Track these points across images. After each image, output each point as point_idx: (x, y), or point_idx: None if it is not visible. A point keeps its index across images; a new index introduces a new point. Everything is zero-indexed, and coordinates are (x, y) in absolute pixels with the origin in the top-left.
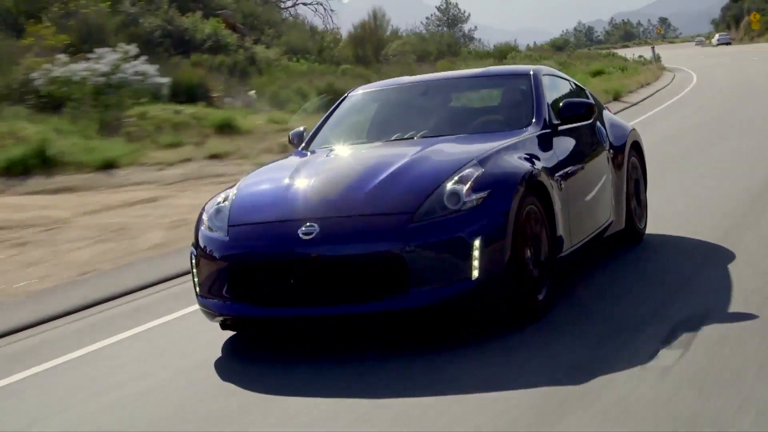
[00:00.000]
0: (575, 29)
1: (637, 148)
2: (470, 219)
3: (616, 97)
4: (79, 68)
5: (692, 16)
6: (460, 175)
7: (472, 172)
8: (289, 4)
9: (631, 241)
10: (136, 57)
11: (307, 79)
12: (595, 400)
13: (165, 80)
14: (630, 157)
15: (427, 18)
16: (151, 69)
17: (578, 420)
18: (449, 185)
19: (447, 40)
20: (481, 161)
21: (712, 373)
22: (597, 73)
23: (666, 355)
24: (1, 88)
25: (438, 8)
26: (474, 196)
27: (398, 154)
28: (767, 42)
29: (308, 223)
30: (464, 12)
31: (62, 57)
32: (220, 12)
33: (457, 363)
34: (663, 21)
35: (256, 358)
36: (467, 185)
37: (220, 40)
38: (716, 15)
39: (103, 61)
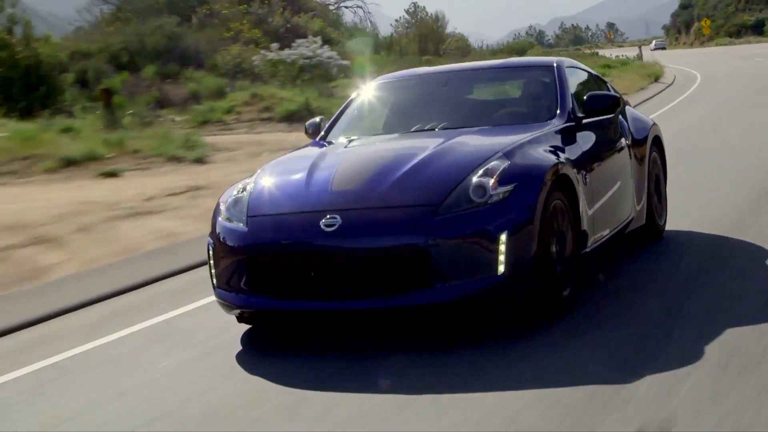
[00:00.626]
0: (527, 33)
1: (657, 142)
2: (497, 213)
3: (656, 79)
4: (286, 53)
5: (628, 22)
6: (486, 167)
7: (498, 164)
8: (333, 6)
9: (651, 238)
10: (321, 46)
11: (401, 65)
12: (632, 398)
13: (346, 62)
14: (651, 152)
15: (396, 20)
16: (334, 54)
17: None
18: (475, 178)
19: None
20: (507, 154)
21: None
22: (605, 67)
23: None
24: (220, 69)
25: (406, 11)
26: (500, 190)
27: (421, 145)
28: (717, 45)
29: (330, 215)
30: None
31: (274, 45)
32: (311, 12)
33: (485, 359)
34: (611, 26)
35: (279, 351)
36: (493, 178)
37: (325, 35)
38: (651, 21)
39: (303, 48)
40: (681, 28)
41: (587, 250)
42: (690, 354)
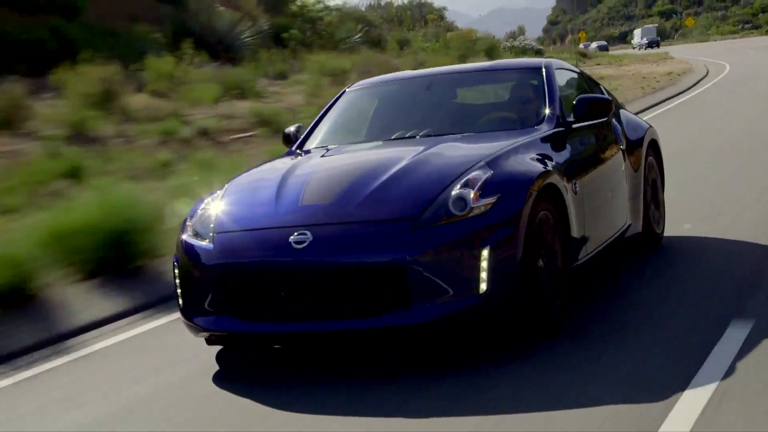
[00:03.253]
0: None
1: (654, 146)
2: (478, 226)
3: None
4: (517, 42)
5: None
6: (467, 178)
7: (480, 174)
8: None
9: (648, 246)
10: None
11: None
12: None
13: (540, 47)
14: (647, 157)
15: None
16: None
17: None
18: (455, 190)
19: None
20: (490, 163)
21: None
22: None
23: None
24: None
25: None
26: (482, 202)
27: (398, 155)
28: None
29: (300, 231)
30: None
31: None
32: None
33: (478, 379)
34: None
35: (258, 369)
36: (474, 189)
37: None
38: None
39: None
40: (556, 39)
41: (579, 262)
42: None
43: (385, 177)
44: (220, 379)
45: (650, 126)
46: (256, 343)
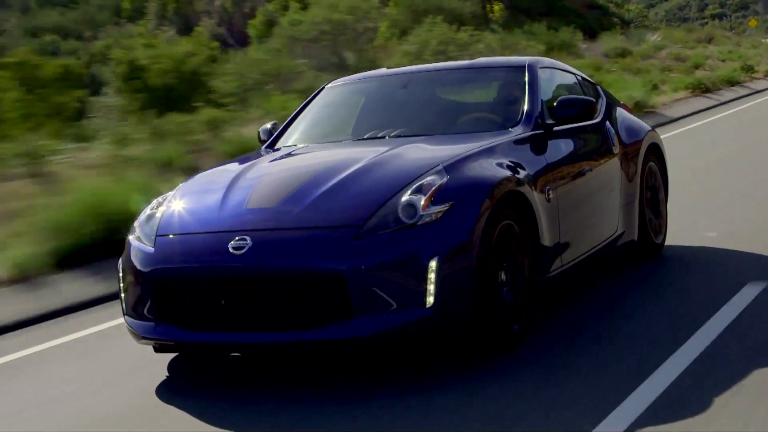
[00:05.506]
0: None
1: (655, 151)
2: (426, 235)
3: None
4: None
5: None
6: (420, 183)
7: (435, 180)
8: None
9: (645, 255)
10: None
11: None
12: None
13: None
14: (646, 162)
15: None
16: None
17: None
18: (405, 195)
19: None
20: (448, 167)
21: None
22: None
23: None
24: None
25: None
26: (433, 209)
27: (357, 156)
28: None
29: (240, 236)
30: None
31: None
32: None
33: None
34: None
35: (204, 383)
36: (426, 196)
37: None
38: None
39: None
40: None
41: (551, 275)
42: None
43: (335, 180)
44: (164, 394)
45: (651, 129)
46: (198, 354)
